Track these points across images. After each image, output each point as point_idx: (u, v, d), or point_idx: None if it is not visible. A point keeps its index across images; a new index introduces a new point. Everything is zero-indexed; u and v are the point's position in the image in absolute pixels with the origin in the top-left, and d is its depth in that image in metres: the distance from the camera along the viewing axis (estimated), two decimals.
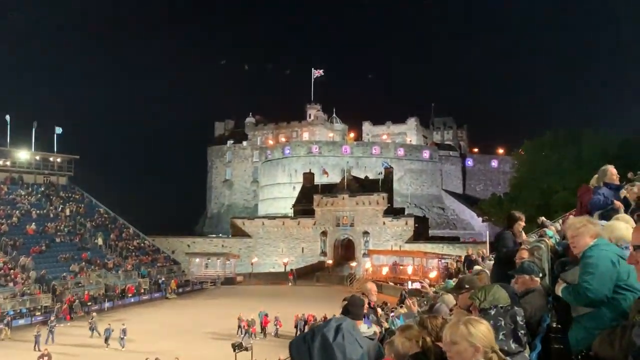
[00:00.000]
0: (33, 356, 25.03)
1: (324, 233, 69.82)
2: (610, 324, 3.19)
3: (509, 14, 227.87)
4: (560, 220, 12.52)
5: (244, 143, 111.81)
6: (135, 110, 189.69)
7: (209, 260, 63.25)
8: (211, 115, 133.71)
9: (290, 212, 79.42)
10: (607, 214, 5.94)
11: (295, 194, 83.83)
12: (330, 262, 66.87)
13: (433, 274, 41.94)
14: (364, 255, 65.06)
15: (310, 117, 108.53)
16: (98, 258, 49.85)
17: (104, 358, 27.26)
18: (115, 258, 51.78)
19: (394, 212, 69.88)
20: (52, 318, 31.84)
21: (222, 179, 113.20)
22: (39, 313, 37.28)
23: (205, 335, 31.63)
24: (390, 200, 70.56)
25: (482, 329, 2.44)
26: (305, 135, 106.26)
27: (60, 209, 56.66)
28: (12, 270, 41.08)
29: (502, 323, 3.18)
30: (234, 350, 23.45)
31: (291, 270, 61.92)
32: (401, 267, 53.22)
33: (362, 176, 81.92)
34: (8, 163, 59.47)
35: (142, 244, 59.50)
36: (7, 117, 60.28)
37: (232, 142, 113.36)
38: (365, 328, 4.67)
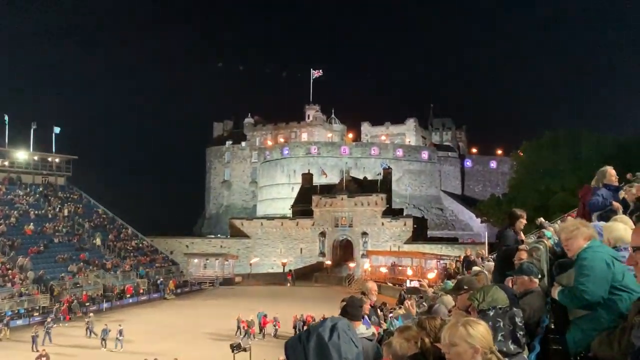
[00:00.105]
0: (31, 356, 25.01)
1: (323, 234, 69.81)
2: (608, 325, 3.20)
3: (508, 14, 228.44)
4: (559, 221, 12.52)
5: (243, 144, 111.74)
6: (134, 110, 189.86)
7: (208, 261, 63.16)
8: (210, 115, 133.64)
9: (289, 212, 79.42)
10: (606, 215, 5.95)
11: (294, 194, 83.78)
12: (328, 262, 66.88)
13: (432, 275, 41.92)
14: (362, 256, 65.07)
15: (309, 118, 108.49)
16: (96, 258, 49.79)
17: (100, 359, 27.23)
18: (113, 258, 51.74)
19: (392, 212, 69.87)
20: (49, 319, 31.78)
21: (220, 179, 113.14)
22: (37, 313, 37.21)
23: (203, 335, 31.60)
24: (389, 201, 70.57)
25: (480, 330, 2.43)
26: (304, 136, 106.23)
27: (58, 209, 56.60)
28: (10, 271, 41.04)
29: (501, 324, 3.17)
30: (233, 351, 23.38)
31: (290, 270, 61.93)
32: (400, 268, 53.23)
33: (361, 177, 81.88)
34: (6, 163, 59.42)
35: (141, 245, 59.45)
36: (6, 117, 60.29)
37: (230, 142, 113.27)
38: (364, 329, 4.66)
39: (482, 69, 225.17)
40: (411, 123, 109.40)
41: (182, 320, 36.73)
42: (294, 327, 31.25)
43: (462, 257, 23.91)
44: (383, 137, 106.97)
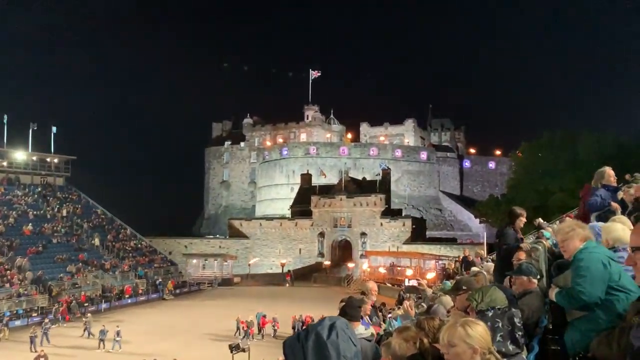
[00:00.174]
0: (30, 357, 25.01)
1: (322, 234, 69.81)
2: (605, 325, 3.20)
3: (508, 15, 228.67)
4: (558, 222, 12.53)
5: (242, 144, 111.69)
6: (133, 111, 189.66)
7: (206, 261, 63.13)
8: (209, 116, 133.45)
9: (288, 213, 79.39)
10: (604, 215, 5.96)
11: (293, 195, 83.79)
12: (327, 263, 66.85)
13: (430, 275, 41.92)
14: (361, 256, 65.09)
15: (307, 118, 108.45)
16: (95, 259, 49.75)
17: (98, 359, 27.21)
18: (112, 259, 51.70)
19: (391, 213, 69.88)
20: (47, 320, 31.72)
21: (219, 180, 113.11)
22: (36, 314, 37.18)
23: (202, 336, 31.58)
24: (387, 201, 70.57)
25: (479, 331, 2.44)
26: (303, 136, 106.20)
27: (57, 209, 56.55)
28: (8, 271, 40.99)
29: (500, 324, 3.17)
30: (231, 352, 23.35)
31: (289, 271, 61.90)
32: (399, 268, 53.22)
33: (360, 177, 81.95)
34: (5, 164, 59.35)
35: (139, 245, 59.40)
36: (5, 118, 60.21)
37: (229, 143, 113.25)
38: (363, 329, 4.66)
39: (481, 69, 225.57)
40: (410, 123, 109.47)
41: (180, 321, 36.69)
42: (293, 328, 31.23)
43: (460, 257, 23.89)
44: (382, 138, 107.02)
